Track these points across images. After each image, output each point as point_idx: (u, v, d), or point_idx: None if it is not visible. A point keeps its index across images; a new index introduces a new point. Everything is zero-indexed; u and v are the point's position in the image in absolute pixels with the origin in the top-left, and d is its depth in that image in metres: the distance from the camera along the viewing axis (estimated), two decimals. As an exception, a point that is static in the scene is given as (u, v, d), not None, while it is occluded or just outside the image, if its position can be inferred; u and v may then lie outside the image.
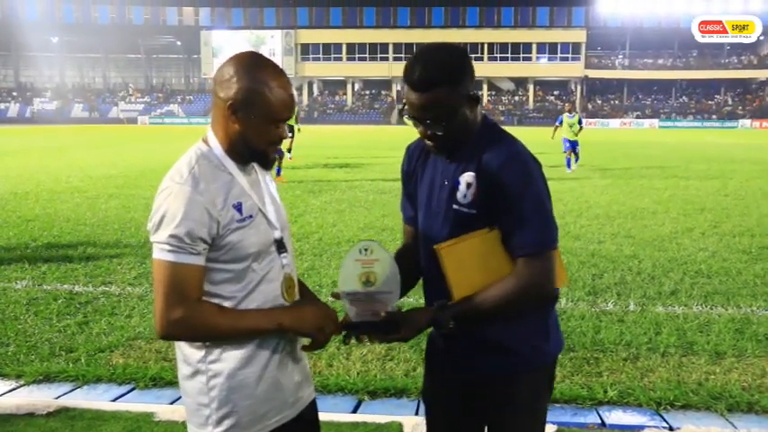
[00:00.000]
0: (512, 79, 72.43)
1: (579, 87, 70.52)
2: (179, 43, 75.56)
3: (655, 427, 3.35)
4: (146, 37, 73.95)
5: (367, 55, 70.33)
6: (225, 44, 68.01)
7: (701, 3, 63.61)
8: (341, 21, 71.98)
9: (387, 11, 71.20)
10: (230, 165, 1.68)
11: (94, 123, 64.70)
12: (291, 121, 14.26)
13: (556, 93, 72.72)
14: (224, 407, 1.65)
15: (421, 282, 2.01)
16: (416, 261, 1.97)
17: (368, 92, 74.62)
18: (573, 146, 16.95)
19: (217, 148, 1.68)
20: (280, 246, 1.74)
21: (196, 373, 1.67)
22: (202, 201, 1.58)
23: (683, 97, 72.71)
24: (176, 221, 1.56)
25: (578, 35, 68.53)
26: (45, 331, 4.63)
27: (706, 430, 3.29)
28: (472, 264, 1.78)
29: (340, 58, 70.89)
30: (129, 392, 3.73)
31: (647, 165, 18.93)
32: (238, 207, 1.64)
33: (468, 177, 1.79)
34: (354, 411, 3.53)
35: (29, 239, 7.73)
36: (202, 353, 1.65)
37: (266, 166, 1.76)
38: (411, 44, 65.24)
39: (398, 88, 69.97)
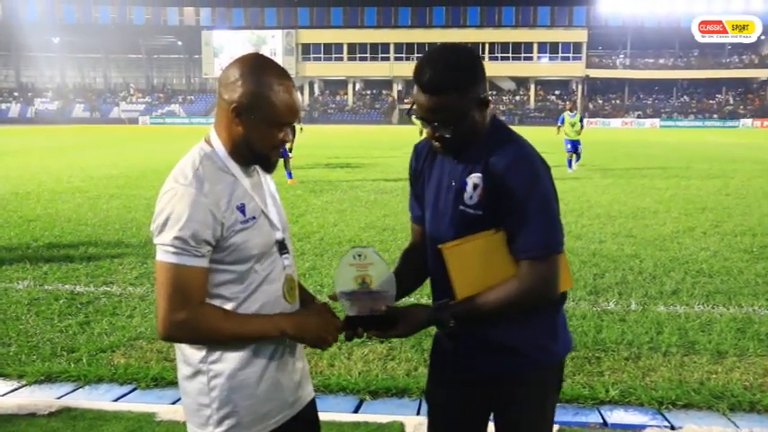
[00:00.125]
0: (513, 79, 72.34)
1: (580, 87, 70.44)
2: (180, 43, 75.52)
3: (656, 426, 3.34)
4: (147, 37, 73.97)
5: (368, 55, 70.24)
6: (226, 44, 68.08)
7: (702, 2, 63.59)
8: (342, 20, 71.96)
9: (388, 11, 71.17)
10: (233, 166, 1.67)
11: (95, 123, 64.74)
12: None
13: (557, 92, 72.65)
14: (225, 407, 1.65)
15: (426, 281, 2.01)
16: (424, 260, 1.96)
17: (369, 92, 74.52)
18: (575, 146, 16.96)
19: (220, 149, 1.68)
20: (281, 247, 1.75)
21: (197, 373, 1.66)
22: (207, 203, 1.58)
23: (685, 97, 72.63)
24: (181, 223, 1.56)
25: (579, 35, 68.48)
26: (46, 331, 4.63)
27: (708, 429, 3.29)
28: (476, 264, 1.78)
29: (341, 58, 70.81)
30: (130, 392, 3.74)
31: (649, 164, 18.92)
32: (242, 209, 1.64)
33: (475, 178, 1.77)
34: (356, 411, 3.52)
35: (30, 240, 7.73)
36: (203, 353, 1.65)
37: (268, 169, 1.76)
38: (412, 44, 65.31)
39: (399, 88, 69.95)
